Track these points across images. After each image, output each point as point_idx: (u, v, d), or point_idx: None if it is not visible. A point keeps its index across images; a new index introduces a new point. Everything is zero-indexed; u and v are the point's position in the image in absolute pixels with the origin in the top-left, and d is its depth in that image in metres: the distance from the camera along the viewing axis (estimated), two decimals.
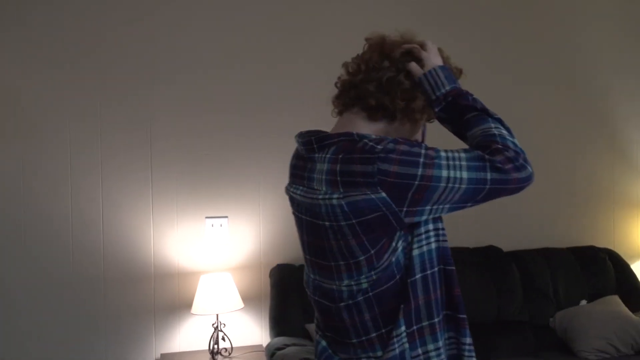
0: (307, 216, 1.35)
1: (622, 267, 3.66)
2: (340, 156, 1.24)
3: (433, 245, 1.30)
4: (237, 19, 3.38)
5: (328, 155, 1.27)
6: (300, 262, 3.36)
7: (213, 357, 3.08)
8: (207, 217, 3.32)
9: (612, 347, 3.11)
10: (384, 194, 1.19)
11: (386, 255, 1.26)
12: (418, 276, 1.28)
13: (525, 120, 3.78)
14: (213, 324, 3.12)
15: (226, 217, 3.34)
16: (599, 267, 3.60)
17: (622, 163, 3.94)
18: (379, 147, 1.20)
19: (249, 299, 3.35)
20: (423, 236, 1.29)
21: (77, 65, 3.18)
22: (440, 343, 1.31)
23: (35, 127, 3.13)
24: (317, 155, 1.31)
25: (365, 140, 1.23)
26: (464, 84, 1.41)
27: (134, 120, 3.24)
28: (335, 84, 1.42)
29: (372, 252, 1.25)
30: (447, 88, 1.33)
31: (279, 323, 3.11)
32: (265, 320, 3.33)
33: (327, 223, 1.27)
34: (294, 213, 1.46)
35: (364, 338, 1.32)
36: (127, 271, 3.22)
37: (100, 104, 3.20)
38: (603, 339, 3.13)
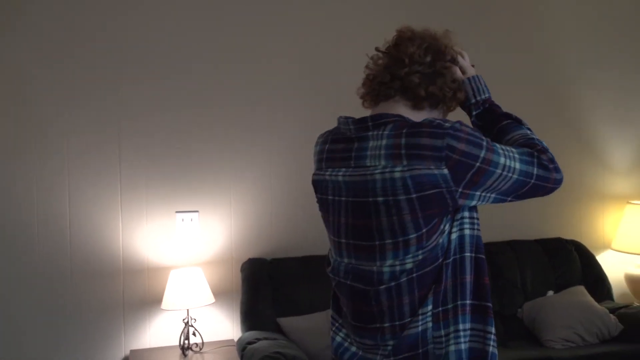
0: (349, 197, 1.35)
1: (587, 258, 3.74)
2: (405, 130, 1.26)
3: (467, 232, 1.33)
4: (203, 13, 3.34)
5: (386, 132, 1.29)
6: (272, 256, 3.35)
7: (184, 352, 3.06)
8: (177, 212, 3.28)
9: (577, 337, 3.18)
10: (446, 171, 1.22)
11: (435, 236, 1.28)
12: (451, 259, 1.31)
13: None
14: (184, 319, 3.10)
15: (197, 211, 3.31)
16: (566, 258, 3.67)
17: (589, 157, 4.02)
18: (447, 124, 1.25)
19: (220, 294, 3.33)
20: (460, 222, 1.33)
21: (48, 58, 3.10)
22: (461, 327, 1.32)
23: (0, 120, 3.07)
24: (371, 133, 1.32)
25: (431, 118, 1.28)
26: None
27: (102, 114, 3.19)
28: (368, 76, 1.46)
29: (424, 230, 1.27)
30: (486, 95, 1.50)
31: (250, 317, 3.10)
32: (236, 315, 3.32)
33: (380, 199, 1.28)
34: (323, 198, 1.47)
35: (397, 322, 1.33)
36: (95, 266, 3.17)
37: (69, 98, 3.14)
38: (569, 329, 3.20)
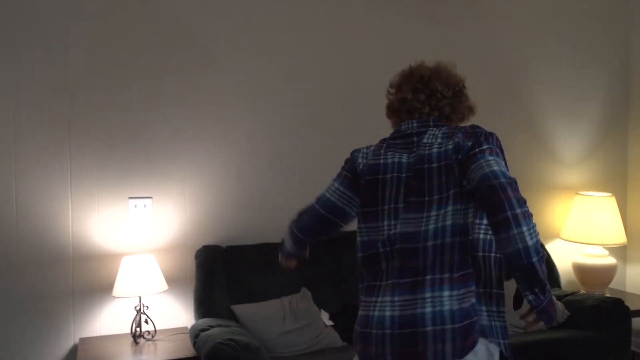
0: (410, 172, 1.80)
1: None
2: (456, 126, 1.89)
3: (489, 237, 1.73)
4: None
5: (441, 130, 1.84)
6: (227, 243, 3.33)
7: (135, 340, 3.01)
8: (130, 198, 3.22)
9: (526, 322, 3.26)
10: (469, 144, 1.72)
11: (467, 202, 1.71)
12: (480, 254, 1.71)
13: None
14: (136, 307, 3.05)
15: (150, 197, 3.26)
16: None
17: (540, 149, 4.11)
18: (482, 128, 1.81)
19: (174, 281, 3.29)
20: (482, 226, 1.73)
21: None
22: (495, 308, 1.72)
23: None
24: (430, 130, 1.86)
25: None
26: None
27: (51, 96, 3.09)
28: (403, 108, 1.96)
29: (459, 189, 1.70)
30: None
31: (204, 304, 3.07)
32: (190, 302, 3.28)
33: (434, 165, 1.75)
34: (375, 179, 1.87)
35: (437, 276, 1.68)
36: (44, 253, 3.08)
37: (16, 79, 3.03)
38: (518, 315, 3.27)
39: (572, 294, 3.54)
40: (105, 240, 3.19)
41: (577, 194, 4.04)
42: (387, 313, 1.71)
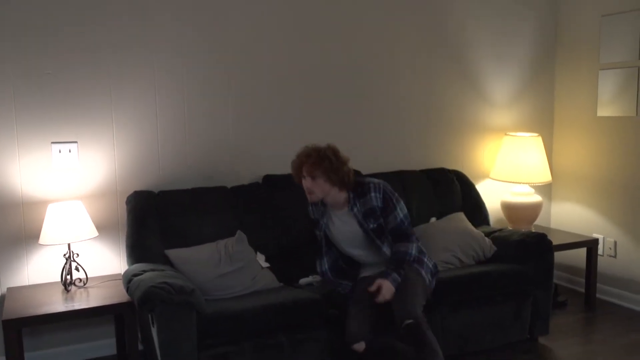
0: None
1: (468, 187, 3.95)
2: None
3: None
4: None
5: None
6: (159, 188, 3.26)
7: (66, 287, 2.95)
8: (53, 142, 3.08)
9: (456, 259, 3.39)
10: None
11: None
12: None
13: (383, 54, 3.87)
14: (64, 254, 2.96)
15: (75, 142, 3.12)
16: (448, 187, 3.85)
17: (471, 92, 4.18)
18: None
19: (105, 228, 3.21)
20: None
21: None
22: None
23: None
24: None
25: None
26: None
27: None
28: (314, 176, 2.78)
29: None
30: None
31: (137, 250, 3.01)
32: (123, 249, 3.21)
33: None
34: None
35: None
36: None
37: None
38: (448, 252, 3.39)
39: (500, 230, 3.68)
40: (29, 187, 3.05)
41: (506, 134, 4.16)
42: None
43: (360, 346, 2.65)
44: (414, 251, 2.82)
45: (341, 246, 2.96)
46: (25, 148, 3.03)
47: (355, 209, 2.84)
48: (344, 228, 2.90)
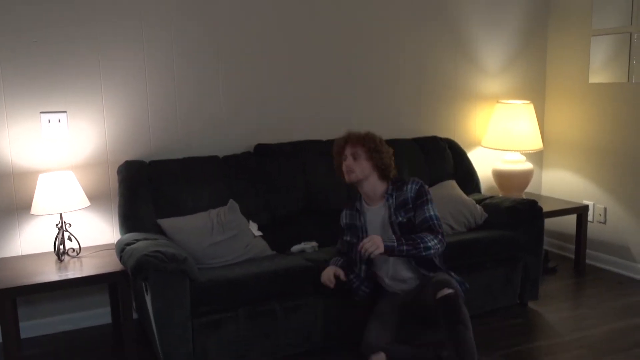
0: None
1: (460, 155, 3.96)
2: None
3: None
4: None
5: None
6: (151, 158, 3.25)
7: (59, 257, 2.95)
8: (42, 112, 3.05)
9: (447, 226, 3.41)
10: None
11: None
12: None
13: (375, 21, 3.83)
14: (57, 224, 2.97)
15: (64, 111, 3.10)
16: (440, 155, 3.86)
17: (464, 60, 4.16)
18: None
19: (97, 198, 3.21)
20: None
21: None
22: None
23: None
24: None
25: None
26: None
27: None
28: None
29: None
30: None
31: (129, 219, 3.02)
32: (115, 219, 3.22)
33: None
34: None
35: None
36: None
37: None
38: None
39: (491, 197, 3.71)
40: (19, 158, 3.04)
41: (497, 102, 4.15)
42: None
43: (379, 357, 2.55)
44: (432, 243, 2.58)
45: None
46: (14, 118, 3.00)
47: (390, 201, 2.75)
48: (375, 221, 2.77)
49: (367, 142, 2.73)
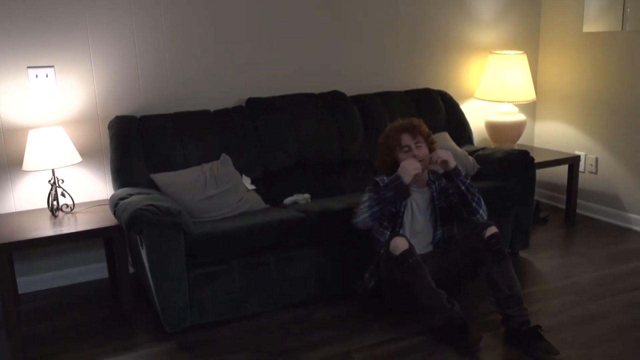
0: None
1: (452, 107, 3.94)
2: None
3: None
4: None
5: None
6: (141, 113, 3.22)
7: (53, 213, 2.96)
8: (29, 67, 3.01)
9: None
10: None
11: None
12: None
13: None
14: (49, 180, 2.96)
15: (52, 66, 3.05)
16: (432, 107, 3.84)
17: (456, 10, 4.09)
18: None
19: (89, 154, 3.20)
20: None
21: None
22: None
23: None
24: None
25: None
26: None
27: None
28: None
29: None
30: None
31: (122, 175, 3.02)
32: (108, 175, 3.21)
33: None
34: None
35: None
36: None
37: None
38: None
39: (483, 149, 3.71)
40: (8, 114, 3.01)
41: (491, 52, 4.11)
42: None
43: (402, 242, 2.57)
44: (484, 207, 2.77)
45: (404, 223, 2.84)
46: (1, 74, 2.96)
47: (434, 185, 2.85)
48: (419, 201, 2.83)
49: (423, 131, 2.83)
